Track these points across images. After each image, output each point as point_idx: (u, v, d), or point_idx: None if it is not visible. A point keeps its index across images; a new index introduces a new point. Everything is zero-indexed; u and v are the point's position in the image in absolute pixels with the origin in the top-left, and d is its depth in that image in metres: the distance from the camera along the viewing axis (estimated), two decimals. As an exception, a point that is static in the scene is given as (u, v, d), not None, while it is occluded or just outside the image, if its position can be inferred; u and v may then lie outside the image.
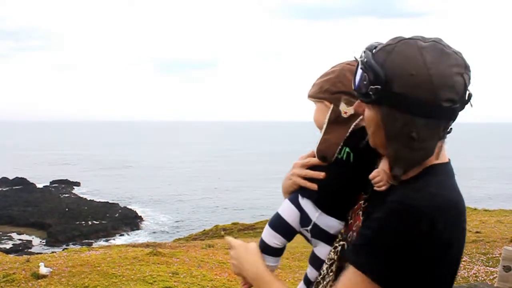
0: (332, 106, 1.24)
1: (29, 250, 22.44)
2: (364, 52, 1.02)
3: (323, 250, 1.25)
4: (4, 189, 37.45)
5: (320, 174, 1.23)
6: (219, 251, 10.51)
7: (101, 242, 23.82)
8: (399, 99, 0.97)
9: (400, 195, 0.99)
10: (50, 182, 42.41)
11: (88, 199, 35.57)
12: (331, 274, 1.18)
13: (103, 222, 28.38)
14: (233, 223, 20.28)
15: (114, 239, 25.36)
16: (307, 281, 1.31)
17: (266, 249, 1.30)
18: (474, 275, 7.97)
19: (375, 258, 0.96)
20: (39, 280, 7.06)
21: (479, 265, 8.77)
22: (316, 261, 1.27)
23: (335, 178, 1.23)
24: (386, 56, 0.99)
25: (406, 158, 1.01)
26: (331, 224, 1.23)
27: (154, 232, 27.75)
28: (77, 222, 27.78)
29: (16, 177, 40.91)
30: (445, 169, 1.07)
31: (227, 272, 8.01)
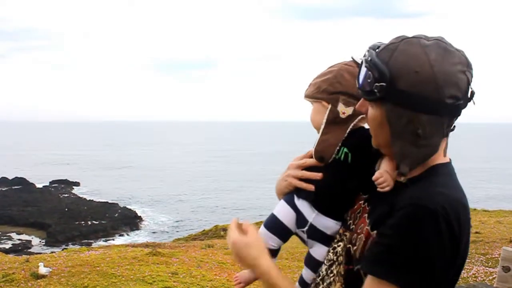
0: (330, 106, 1.23)
1: (29, 250, 22.41)
2: (368, 51, 1.03)
3: (319, 251, 1.24)
4: (4, 189, 37.37)
5: (317, 175, 1.23)
6: (218, 251, 10.50)
7: (101, 242, 23.78)
8: (404, 96, 0.98)
9: (412, 198, 0.99)
10: (50, 182, 42.33)
11: (88, 199, 35.50)
12: (331, 275, 1.17)
13: (103, 222, 28.32)
14: (233, 223, 20.25)
15: (113, 239, 25.32)
16: (302, 282, 1.30)
17: None
18: (473, 276, 7.97)
19: (400, 266, 0.95)
20: (39, 280, 7.05)
21: (478, 266, 8.78)
22: (312, 262, 1.26)
23: (333, 178, 1.22)
24: (390, 54, 1.00)
25: (412, 155, 1.02)
26: (328, 224, 1.23)
27: (154, 232, 27.71)
28: (77, 222, 27.73)
29: (16, 177, 40.84)
30: (448, 168, 1.08)
31: (226, 272, 8.01)
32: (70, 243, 23.64)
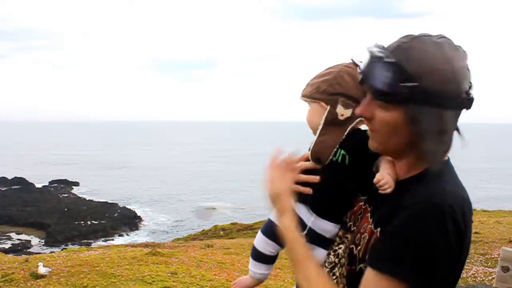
0: (328, 107, 1.22)
1: (28, 250, 22.43)
2: (380, 51, 1.00)
3: (319, 254, 1.23)
4: (3, 189, 37.38)
5: (315, 178, 1.21)
6: (218, 251, 10.50)
7: (100, 242, 23.78)
8: (431, 94, 0.97)
9: (419, 196, 0.99)
10: (49, 182, 42.36)
11: (87, 199, 35.52)
12: (333, 278, 1.17)
13: (102, 222, 28.34)
14: (232, 223, 20.26)
15: (113, 239, 25.33)
16: None
17: (260, 257, 1.28)
18: (472, 276, 7.98)
19: (408, 263, 0.95)
20: (38, 280, 7.04)
21: (477, 266, 8.78)
22: None
23: (331, 181, 1.21)
24: (407, 53, 0.98)
25: (439, 152, 1.03)
26: (327, 228, 1.22)
27: (153, 232, 27.72)
28: (76, 222, 27.74)
29: (15, 177, 40.87)
30: (449, 166, 1.09)
31: (226, 272, 8.01)
32: (69, 243, 23.65)
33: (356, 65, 1.21)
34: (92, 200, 35.02)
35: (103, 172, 54.97)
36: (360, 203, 1.20)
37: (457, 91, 0.98)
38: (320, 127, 1.23)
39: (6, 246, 22.97)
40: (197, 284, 7.02)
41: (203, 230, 20.29)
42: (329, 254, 1.21)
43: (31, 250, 22.32)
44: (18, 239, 25.18)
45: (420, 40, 0.99)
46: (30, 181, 40.29)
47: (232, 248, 11.04)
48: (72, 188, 41.29)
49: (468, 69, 1.01)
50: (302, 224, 1.23)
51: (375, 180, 1.10)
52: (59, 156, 73.04)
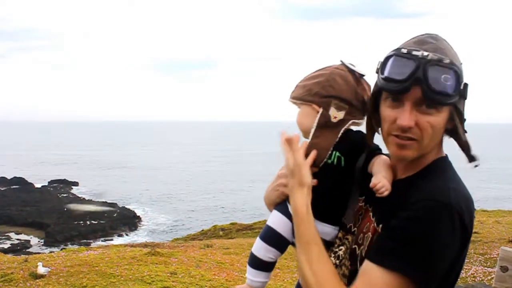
0: (321, 110, 1.20)
1: (27, 250, 22.40)
2: (430, 54, 0.99)
3: None
4: (2, 189, 37.33)
5: (313, 181, 1.19)
6: (217, 251, 10.50)
7: (100, 242, 23.76)
8: (466, 89, 1.03)
9: (426, 193, 0.99)
10: (49, 182, 42.31)
11: (87, 199, 35.50)
12: None
13: (102, 222, 28.30)
14: (232, 223, 20.25)
15: (112, 239, 25.31)
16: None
17: (259, 265, 1.26)
18: (472, 276, 7.98)
19: (414, 259, 0.96)
20: (37, 280, 7.04)
21: (477, 266, 8.78)
22: None
23: (327, 183, 1.20)
24: (446, 52, 1.02)
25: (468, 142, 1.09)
26: (325, 230, 1.21)
27: (153, 232, 27.69)
28: (75, 222, 27.71)
29: (15, 177, 40.84)
30: (449, 162, 1.11)
31: (225, 272, 8.01)
32: (69, 243, 23.63)
33: (348, 67, 1.20)
34: (91, 200, 35.00)
35: (102, 172, 54.92)
36: (361, 204, 1.20)
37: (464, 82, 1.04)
38: (313, 130, 1.22)
39: (5, 246, 22.95)
40: (197, 284, 7.02)
41: (202, 230, 20.28)
42: (329, 256, 1.20)
43: (30, 250, 22.29)
44: (18, 239, 25.15)
45: (440, 39, 1.04)
46: (30, 181, 40.26)
47: (231, 248, 11.03)
48: (72, 188, 41.22)
49: None
50: None
51: (371, 184, 1.10)
52: (58, 156, 72.96)
